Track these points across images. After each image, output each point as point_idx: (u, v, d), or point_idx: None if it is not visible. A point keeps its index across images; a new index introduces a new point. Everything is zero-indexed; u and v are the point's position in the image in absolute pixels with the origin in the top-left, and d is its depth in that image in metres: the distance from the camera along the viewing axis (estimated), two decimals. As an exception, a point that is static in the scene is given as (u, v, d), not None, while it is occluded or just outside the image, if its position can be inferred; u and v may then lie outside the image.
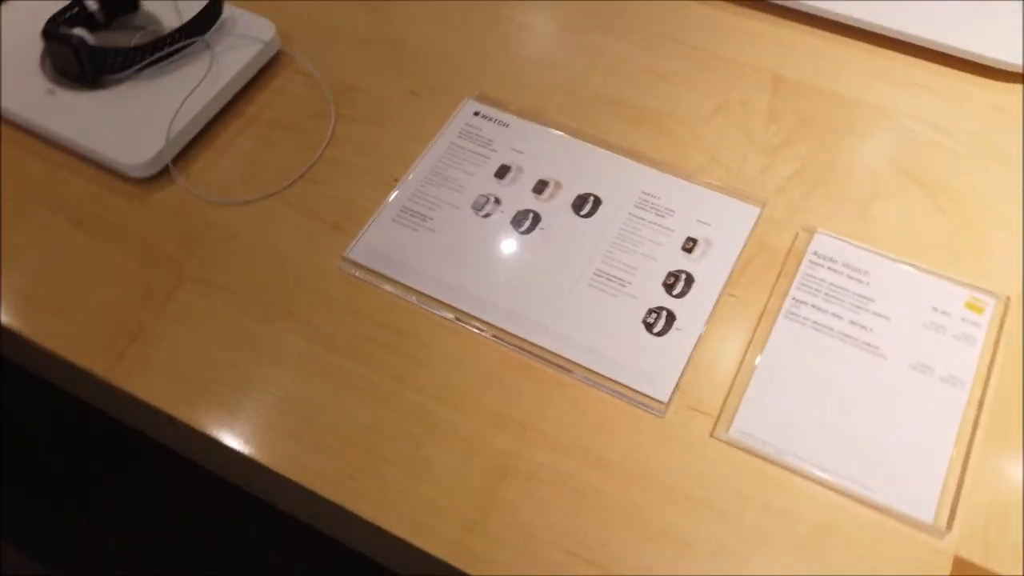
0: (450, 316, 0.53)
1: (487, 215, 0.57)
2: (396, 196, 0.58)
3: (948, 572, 0.43)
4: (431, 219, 0.57)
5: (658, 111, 0.62)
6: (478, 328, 0.52)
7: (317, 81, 0.65)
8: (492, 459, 0.48)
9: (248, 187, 0.59)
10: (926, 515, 0.44)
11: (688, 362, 0.51)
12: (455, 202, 0.58)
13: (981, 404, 0.48)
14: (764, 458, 0.47)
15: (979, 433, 0.47)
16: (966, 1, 0.64)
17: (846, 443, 0.47)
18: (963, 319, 0.50)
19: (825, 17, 0.64)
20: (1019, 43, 0.61)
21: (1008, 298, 0.51)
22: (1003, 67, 0.61)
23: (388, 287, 0.54)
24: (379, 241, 0.56)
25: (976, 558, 0.44)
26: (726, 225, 0.56)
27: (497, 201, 0.58)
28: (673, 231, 0.56)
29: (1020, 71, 0.61)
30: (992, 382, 0.49)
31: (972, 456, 0.46)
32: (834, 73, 0.63)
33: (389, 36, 0.68)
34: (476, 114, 0.63)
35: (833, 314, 0.51)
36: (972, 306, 0.51)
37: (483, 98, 0.63)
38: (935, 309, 0.51)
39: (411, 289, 0.54)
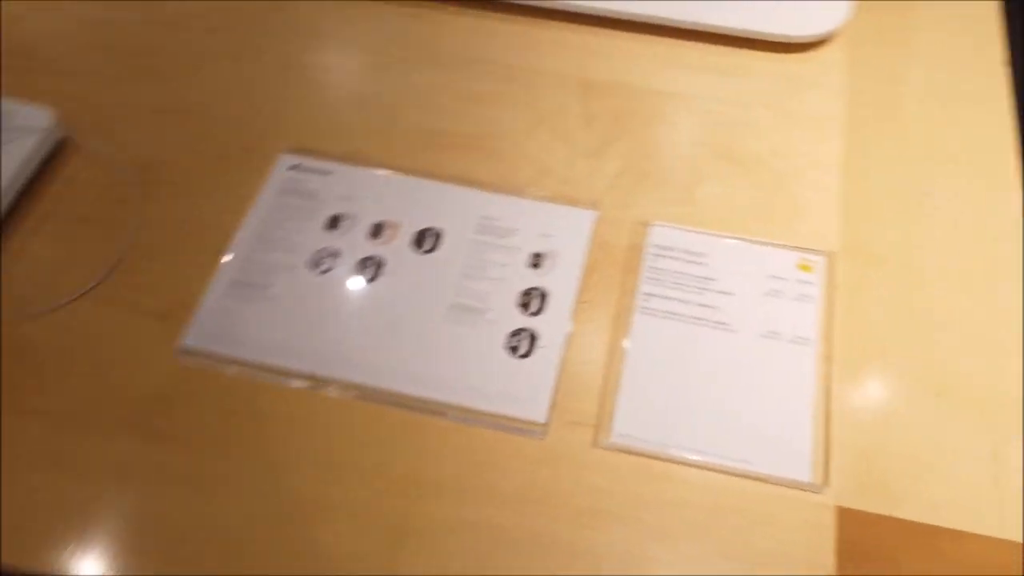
0: (307, 384, 0.50)
1: (327, 270, 0.55)
2: (224, 270, 0.55)
3: (833, 523, 0.45)
4: (267, 287, 0.54)
5: (480, 134, 0.62)
6: (340, 391, 0.50)
7: (113, 163, 0.60)
8: (385, 525, 0.45)
9: (52, 293, 0.54)
10: (803, 475, 0.46)
11: (558, 378, 0.50)
12: (290, 263, 0.55)
13: (830, 357, 0.50)
14: (648, 455, 0.48)
15: (834, 385, 0.50)
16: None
17: (719, 423, 0.48)
18: (798, 280, 0.53)
19: (618, 17, 0.67)
20: (794, 17, 0.65)
21: (833, 253, 0.54)
22: (784, 40, 0.65)
23: (234, 369, 0.51)
24: (215, 322, 0.53)
25: (855, 504, 0.46)
26: (567, 234, 0.56)
27: (334, 254, 0.55)
28: (519, 250, 0.56)
29: (798, 41, 0.65)
30: (835, 334, 0.51)
31: (832, 408, 0.49)
32: (636, 69, 0.66)
33: (184, 103, 0.64)
34: (294, 168, 0.60)
35: (681, 300, 0.53)
36: (803, 267, 0.54)
37: (298, 150, 0.61)
38: (771, 276, 0.54)
39: (260, 366, 0.51)
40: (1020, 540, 0.44)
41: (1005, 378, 0.50)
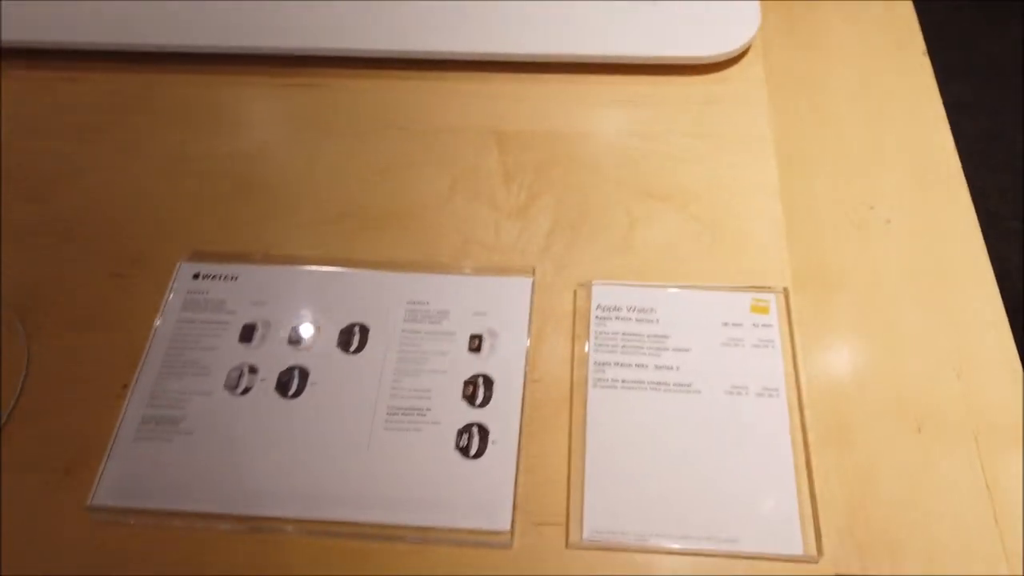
0: (241, 528, 0.45)
1: (246, 390, 0.49)
2: (131, 407, 0.49)
3: (835, 592, 0.42)
4: (182, 420, 0.48)
5: (395, 209, 0.57)
6: (278, 528, 0.45)
7: (-12, 302, 0.53)
8: None
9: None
10: (795, 547, 0.43)
11: (517, 475, 0.46)
12: (204, 388, 0.49)
13: (801, 405, 0.47)
14: (627, 550, 0.43)
15: (810, 435, 0.46)
16: (643, 7, 0.64)
17: (697, 500, 0.44)
18: (754, 325, 0.50)
19: (523, 60, 0.63)
20: (703, 36, 0.62)
21: (785, 288, 0.51)
22: (696, 61, 0.62)
23: (154, 521, 0.45)
24: (127, 470, 0.47)
25: (854, 568, 0.42)
26: (504, 308, 0.52)
27: (252, 370, 0.50)
28: (454, 334, 0.51)
29: (710, 61, 0.62)
30: (803, 378, 0.48)
31: (814, 463, 0.45)
32: (550, 112, 0.62)
33: (63, 220, 0.57)
34: (197, 276, 0.54)
35: (637, 365, 0.49)
36: (757, 309, 0.50)
37: (198, 256, 0.55)
38: (726, 324, 0.50)
39: (184, 513, 0.45)
40: (1030, 581, 0.42)
41: (988, 401, 0.47)
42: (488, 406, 0.48)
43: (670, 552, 0.43)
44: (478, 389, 0.49)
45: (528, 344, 0.50)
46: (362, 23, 0.65)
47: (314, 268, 0.54)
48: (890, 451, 0.46)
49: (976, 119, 1.55)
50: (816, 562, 0.43)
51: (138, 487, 0.46)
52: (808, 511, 0.44)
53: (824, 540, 0.43)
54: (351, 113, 0.62)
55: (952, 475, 0.45)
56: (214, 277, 0.54)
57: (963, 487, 0.45)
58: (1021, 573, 0.42)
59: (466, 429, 0.47)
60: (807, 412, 0.47)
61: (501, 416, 0.48)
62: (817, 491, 0.44)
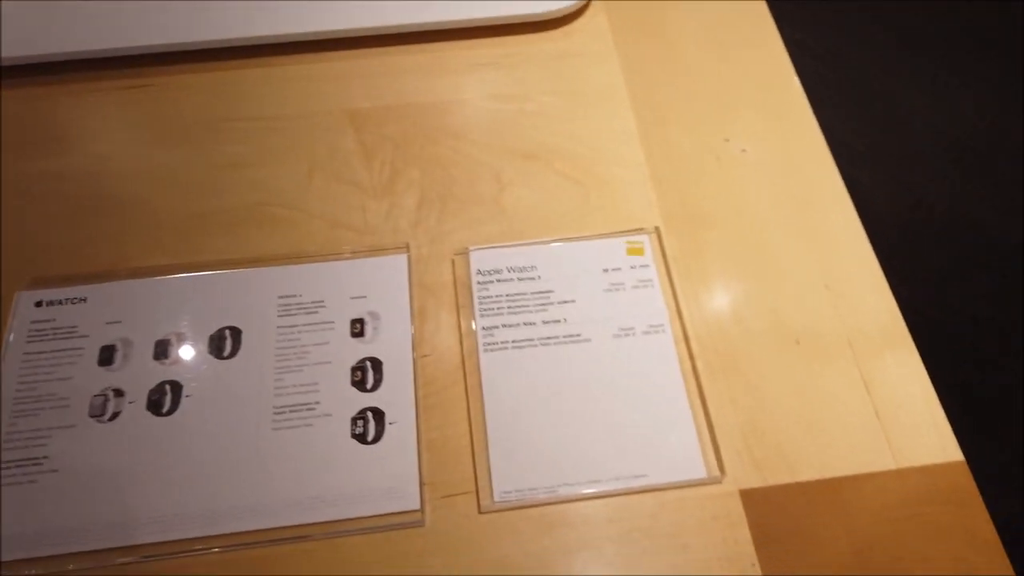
0: (131, 559, 0.41)
1: (114, 416, 0.46)
2: (-16, 455, 0.44)
3: (741, 509, 0.43)
4: (45, 459, 0.44)
5: (251, 203, 0.54)
6: (177, 552, 0.41)
7: None
8: None
9: None
10: (699, 472, 0.44)
11: (420, 452, 0.45)
12: (66, 421, 0.45)
13: (686, 337, 0.48)
14: (540, 504, 0.43)
15: (698, 364, 0.47)
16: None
17: (601, 445, 0.44)
18: (632, 267, 0.50)
19: (367, 34, 0.61)
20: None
21: (656, 228, 0.52)
22: (541, 17, 0.62)
23: (34, 571, 0.41)
24: (-10, 523, 0.42)
25: (755, 482, 0.44)
26: (382, 288, 0.50)
27: (118, 393, 0.46)
28: (333, 323, 0.49)
29: (555, 15, 0.62)
30: (683, 311, 0.49)
31: (705, 390, 0.46)
32: (403, 85, 0.60)
33: None
34: (40, 304, 0.49)
35: (525, 323, 0.48)
36: (633, 251, 0.51)
37: (39, 282, 0.50)
38: (606, 270, 0.50)
39: (63, 556, 0.41)
40: (914, 465, 0.44)
41: (857, 309, 0.50)
42: (380, 389, 0.47)
43: (582, 498, 0.43)
44: (367, 373, 0.47)
45: (412, 321, 0.49)
46: (191, 13, 0.61)
47: (172, 277, 0.50)
48: (774, 369, 0.47)
49: (817, 59, 1.63)
50: (720, 483, 0.44)
51: (8, 538, 0.42)
52: (707, 437, 0.45)
53: (725, 461, 0.44)
54: (189, 110, 0.58)
55: (833, 382, 0.47)
56: (60, 302, 0.50)
57: (844, 391, 0.47)
58: (907, 465, 0.44)
59: (360, 415, 0.46)
60: (693, 343, 0.48)
61: (395, 397, 0.46)
62: (712, 417, 0.45)
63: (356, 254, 0.52)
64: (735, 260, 0.51)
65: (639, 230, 0.52)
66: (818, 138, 0.57)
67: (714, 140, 0.57)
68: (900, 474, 0.44)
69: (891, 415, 0.46)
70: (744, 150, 0.56)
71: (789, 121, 0.58)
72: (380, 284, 0.50)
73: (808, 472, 0.44)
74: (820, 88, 1.51)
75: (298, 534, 0.42)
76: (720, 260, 0.51)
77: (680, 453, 0.44)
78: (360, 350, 0.48)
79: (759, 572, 0.41)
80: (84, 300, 0.50)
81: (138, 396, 0.46)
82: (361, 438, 0.45)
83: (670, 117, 0.58)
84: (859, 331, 0.49)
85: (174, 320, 0.49)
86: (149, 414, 0.46)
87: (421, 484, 0.44)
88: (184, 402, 0.46)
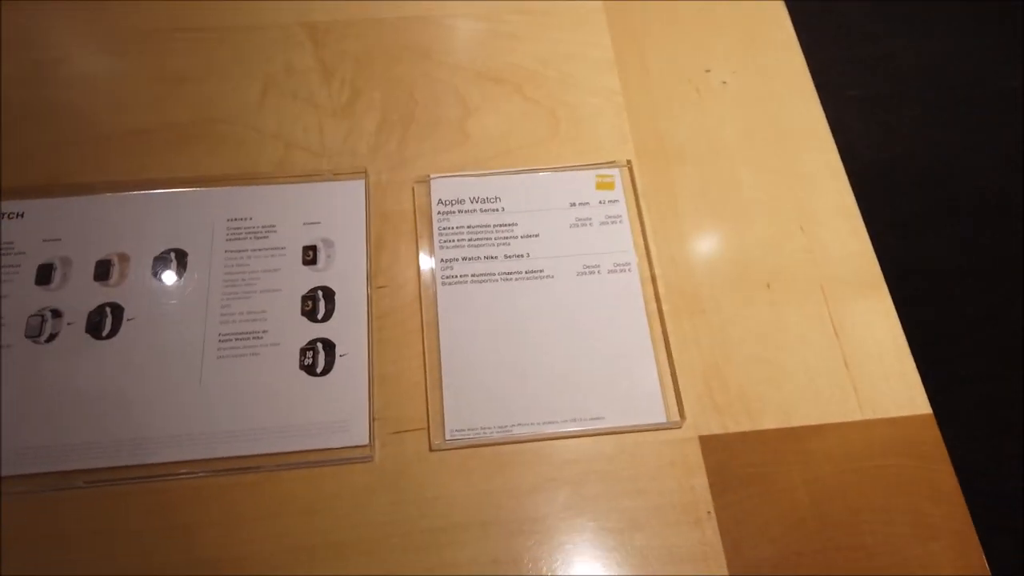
0: (63, 485, 0.40)
1: (52, 337, 0.43)
2: (-90, 375, 0.42)
3: (700, 455, 0.42)
4: (-24, 381, 0.42)
5: (201, 119, 0.51)
6: (110, 479, 0.40)
7: None
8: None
9: None
10: (658, 416, 0.42)
11: (372, 386, 0.43)
12: (4, 341, 0.43)
13: (653, 276, 0.46)
14: (492, 443, 0.42)
15: (664, 306, 0.45)
16: None
17: (559, 385, 0.43)
18: (601, 202, 0.48)
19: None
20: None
21: (628, 161, 0.49)
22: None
23: (-43, 500, 0.39)
24: (-85, 446, 0.40)
25: (717, 428, 0.42)
26: (338, 214, 0.48)
27: (56, 314, 0.44)
28: (284, 249, 0.46)
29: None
30: (652, 249, 0.47)
31: (669, 332, 0.44)
32: (368, -1, 0.56)
33: None
34: (-27, 218, 0.46)
35: (486, 257, 0.46)
36: (602, 185, 0.49)
37: (-28, 194, 0.47)
38: (573, 204, 0.48)
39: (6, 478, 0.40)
40: (880, 417, 0.43)
41: (832, 254, 0.48)
42: (331, 320, 0.44)
43: (536, 439, 0.42)
44: (318, 303, 0.45)
45: (368, 250, 0.47)
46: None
47: (115, 195, 0.48)
48: (742, 312, 0.46)
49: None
50: (680, 427, 0.42)
51: (-69, 462, 0.40)
52: (669, 381, 0.43)
53: (686, 406, 0.43)
54: (134, 18, 0.54)
55: (802, 327, 0.45)
56: (-5, 216, 0.47)
57: (813, 338, 0.45)
58: (873, 416, 0.43)
59: (310, 346, 0.44)
60: (660, 284, 0.46)
61: (347, 328, 0.44)
62: (676, 361, 0.44)
63: (311, 177, 0.49)
64: (708, 198, 0.49)
65: (610, 163, 0.49)
66: (803, 74, 0.54)
67: (695, 70, 0.54)
68: (866, 425, 0.43)
69: (860, 364, 0.44)
70: (725, 82, 0.54)
71: (775, 54, 0.55)
72: (335, 210, 0.48)
73: (770, 420, 0.43)
74: (808, 26, 1.47)
75: (241, 465, 0.41)
76: (693, 197, 0.49)
77: (640, 397, 0.42)
78: (312, 278, 0.46)
79: (715, 519, 0.40)
80: (21, 216, 0.47)
81: (77, 318, 0.44)
82: (310, 369, 0.43)
83: (649, 44, 0.55)
84: (832, 276, 0.47)
85: (116, 240, 0.46)
86: (88, 337, 0.43)
87: (371, 419, 0.42)
88: (125, 326, 0.44)
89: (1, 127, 0.49)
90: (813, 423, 0.43)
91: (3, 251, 0.46)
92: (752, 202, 0.49)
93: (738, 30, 0.56)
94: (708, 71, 0.54)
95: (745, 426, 0.43)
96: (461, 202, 0.48)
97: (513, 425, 0.42)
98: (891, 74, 1.50)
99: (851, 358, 0.45)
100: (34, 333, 0.43)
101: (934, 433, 0.43)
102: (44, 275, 0.45)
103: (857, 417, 0.43)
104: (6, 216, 0.47)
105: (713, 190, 0.49)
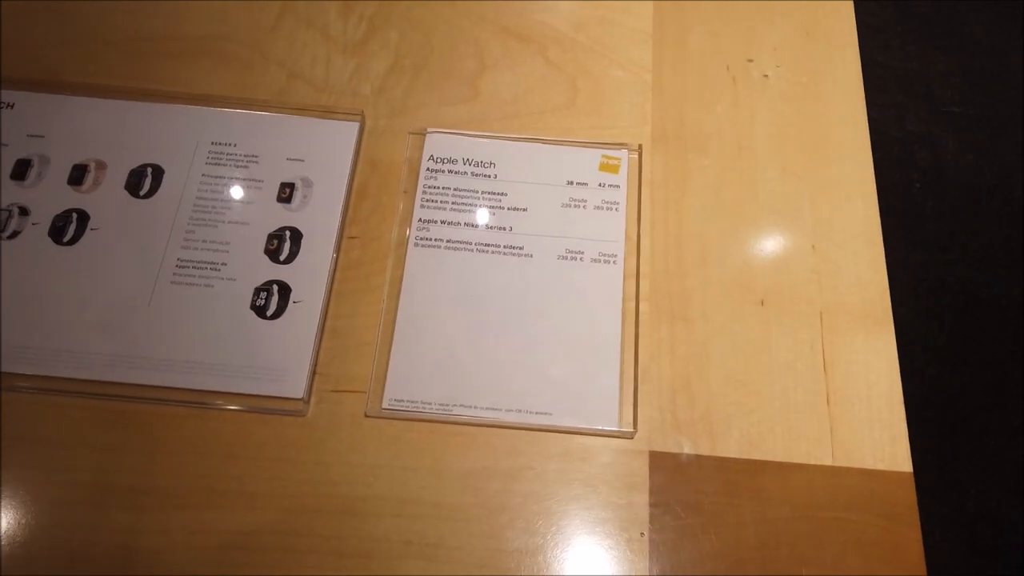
0: (12, 386, 0.39)
1: (14, 234, 0.43)
2: None
3: (646, 472, 0.39)
4: (-66, 266, 0.42)
5: (209, 35, 0.49)
6: (45, 389, 0.39)
7: None
8: (109, 545, 0.36)
9: None
10: (610, 422, 0.39)
11: (320, 338, 0.41)
12: (-34, 230, 0.43)
13: (638, 273, 0.43)
14: (429, 420, 0.39)
15: (644, 306, 0.42)
16: None
17: (512, 372, 0.40)
18: (600, 185, 0.45)
19: None
20: None
21: (640, 146, 0.46)
22: None
23: None
24: None
25: (671, 446, 0.39)
26: (324, 155, 0.45)
27: (24, 211, 0.43)
28: (262, 182, 0.45)
29: None
30: (643, 244, 0.43)
31: (643, 334, 0.41)
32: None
33: None
34: (-34, 102, 0.46)
35: (467, 224, 0.44)
36: (606, 167, 0.45)
37: (-31, 77, 0.46)
38: (571, 183, 0.45)
39: (-70, 371, 0.39)
40: (853, 466, 0.39)
41: (841, 278, 0.43)
42: (294, 263, 0.43)
43: (476, 423, 0.39)
44: (283, 244, 0.43)
45: (348, 196, 0.44)
46: None
47: (104, 100, 0.46)
48: (728, 327, 0.42)
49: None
50: (631, 438, 0.39)
51: None
52: (630, 386, 0.40)
53: (643, 418, 0.40)
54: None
55: (790, 354, 0.41)
56: (-14, 104, 0.46)
57: (799, 368, 0.41)
58: (845, 464, 0.39)
59: (265, 287, 0.42)
60: (644, 281, 0.43)
61: (307, 274, 0.42)
62: (643, 366, 0.41)
63: (305, 111, 0.47)
64: (719, 198, 0.45)
65: (620, 145, 0.46)
66: (856, 80, 0.49)
67: (736, 57, 0.49)
68: (835, 472, 0.39)
69: (844, 405, 0.40)
70: (767, 76, 0.49)
71: (828, 53, 0.50)
72: (322, 150, 0.46)
73: (732, 447, 0.39)
74: (911, 28, 1.36)
75: (169, 397, 0.40)
76: (702, 194, 0.45)
77: (595, 398, 0.40)
78: (283, 217, 0.44)
79: (647, 541, 0.37)
80: (11, 106, 0.46)
81: (43, 219, 0.43)
82: (260, 311, 0.41)
83: (693, 20, 0.51)
84: (835, 304, 0.43)
85: (98, 146, 0.45)
86: (50, 240, 0.43)
87: (313, 373, 0.40)
88: (88, 235, 0.43)
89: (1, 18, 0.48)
90: (778, 459, 0.39)
91: (-12, 140, 0.45)
92: (767, 210, 0.45)
93: (794, 21, 0.51)
94: (750, 61, 0.49)
95: (703, 449, 0.39)
96: (453, 162, 0.45)
97: (455, 405, 0.39)
98: (1000, 94, 1.39)
99: (835, 396, 0.41)
100: (-1, 227, 0.43)
101: (909, 495, 0.39)
102: (20, 170, 0.44)
103: (828, 462, 0.39)
104: (1, 105, 0.46)
105: (726, 190, 0.45)
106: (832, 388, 0.41)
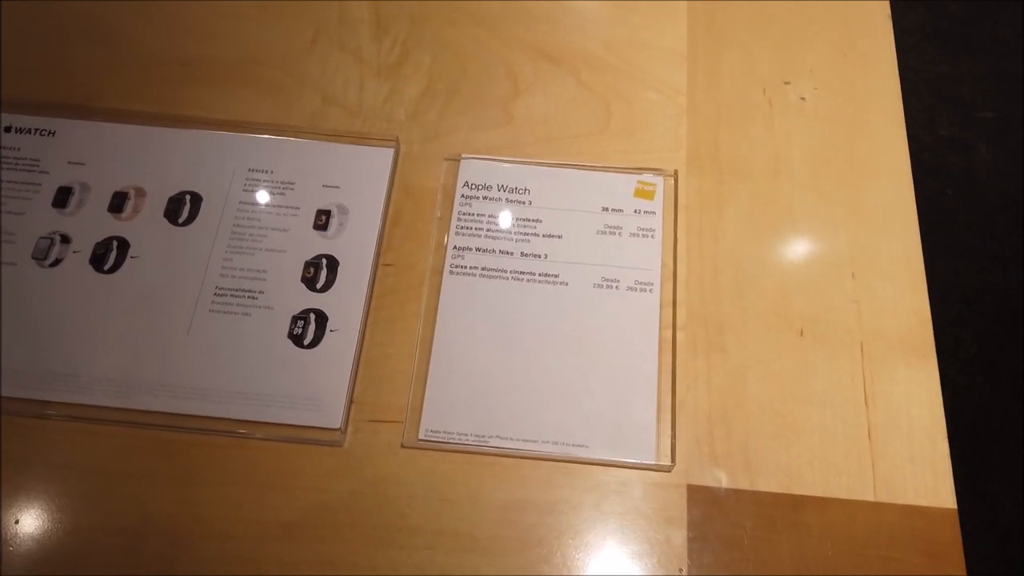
0: (50, 414, 0.40)
1: (56, 262, 0.43)
2: (-79, 277, 0.43)
3: (685, 504, 0.38)
4: (-22, 294, 0.42)
5: (244, 59, 0.49)
6: (84, 417, 0.40)
7: None
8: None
9: None
10: (647, 455, 0.39)
11: (356, 367, 0.41)
12: (9, 258, 0.43)
13: (675, 302, 0.42)
14: (465, 451, 0.39)
15: (681, 335, 0.42)
16: None
17: (548, 402, 0.40)
18: (636, 211, 0.44)
19: None
20: None
21: (676, 172, 0.45)
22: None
23: (-61, 409, 0.40)
24: (-88, 348, 0.41)
25: (707, 478, 0.39)
26: (359, 181, 0.46)
27: (65, 239, 0.44)
28: (298, 209, 0.45)
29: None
30: (680, 271, 0.43)
31: (680, 364, 0.41)
32: (437, -45, 0.53)
33: None
34: (9, 130, 0.47)
35: (502, 251, 0.43)
36: (642, 193, 0.45)
37: (12, 105, 0.47)
38: (606, 209, 0.44)
39: (-25, 399, 0.40)
40: (895, 502, 0.38)
41: (882, 307, 0.43)
42: (330, 291, 0.43)
43: (513, 455, 0.39)
44: (320, 271, 0.43)
45: (383, 222, 0.45)
46: None
47: (143, 127, 0.47)
48: (766, 357, 0.42)
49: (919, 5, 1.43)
50: (669, 471, 0.39)
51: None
52: (667, 418, 0.40)
53: (680, 450, 0.39)
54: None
55: (829, 385, 0.41)
56: (27, 131, 0.47)
57: (839, 400, 0.41)
58: (888, 500, 0.38)
59: (302, 315, 0.42)
60: (681, 310, 0.42)
61: (344, 302, 0.43)
62: (680, 397, 0.40)
63: (340, 138, 0.47)
64: (756, 224, 0.45)
65: (656, 170, 0.45)
66: (895, 101, 0.48)
67: (772, 80, 0.49)
68: (877, 508, 0.39)
69: (886, 439, 0.40)
70: (804, 98, 0.48)
71: (866, 75, 0.49)
72: (358, 176, 0.46)
73: (771, 481, 0.39)
74: (940, 30, 1.33)
75: (210, 426, 0.40)
76: (738, 220, 0.45)
77: (632, 430, 0.39)
78: (319, 244, 0.44)
79: (684, 576, 0.37)
80: (52, 134, 0.47)
81: (84, 246, 0.44)
82: (298, 340, 0.42)
83: (728, 41, 0.50)
84: (876, 334, 0.42)
85: (138, 173, 0.46)
86: (90, 268, 0.43)
87: (349, 403, 0.40)
88: (128, 263, 0.43)
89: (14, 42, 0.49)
90: (817, 494, 0.39)
91: (29, 167, 0.45)
92: (804, 236, 0.44)
93: (830, 41, 0.50)
94: (787, 83, 0.49)
95: (741, 483, 0.39)
96: (488, 188, 0.45)
97: (491, 436, 0.39)
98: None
99: (877, 430, 0.40)
100: (40, 255, 0.43)
101: (954, 532, 0.38)
102: (62, 198, 0.45)
103: (869, 497, 0.39)
104: (39, 132, 0.47)
105: (763, 216, 0.45)
106: (873, 421, 0.40)
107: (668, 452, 0.39)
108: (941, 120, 1.30)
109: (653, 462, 0.39)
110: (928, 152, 1.26)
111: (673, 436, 0.39)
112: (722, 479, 0.39)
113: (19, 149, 0.46)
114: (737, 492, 0.39)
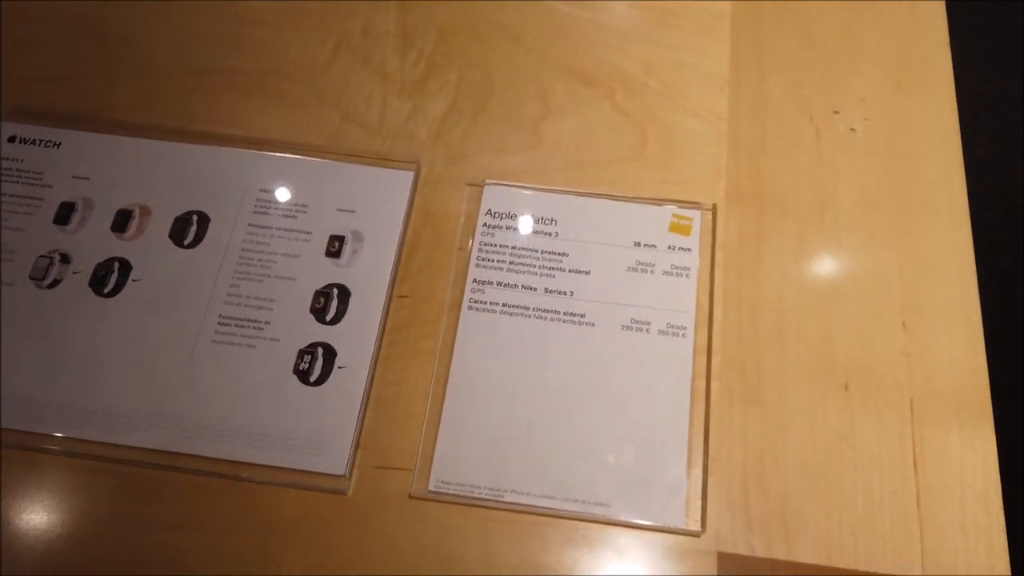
0: (54, 447, 0.38)
1: (54, 283, 0.41)
2: (-86, 295, 0.41)
3: (715, 572, 0.35)
4: (-28, 315, 0.40)
5: (261, 70, 0.47)
6: (76, 452, 0.38)
7: None
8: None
9: None
10: (675, 519, 0.36)
11: (365, 408, 0.39)
12: (7, 277, 0.41)
13: (710, 348, 0.39)
14: (478, 505, 0.37)
15: (715, 384, 0.39)
16: None
17: (570, 455, 0.37)
18: (670, 247, 0.41)
19: None
20: None
21: (714, 206, 0.42)
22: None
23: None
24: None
25: (740, 547, 0.36)
26: (376, 205, 0.43)
27: (65, 259, 0.42)
28: (310, 234, 0.42)
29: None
30: (716, 315, 0.40)
31: (713, 418, 0.38)
32: (467, -35, 0.50)
33: None
34: (13, 140, 0.44)
35: (525, 286, 0.41)
36: (677, 228, 0.42)
37: (18, 113, 0.45)
38: (638, 244, 0.41)
39: (-36, 428, 0.38)
40: (944, 582, 0.35)
41: (934, 362, 0.39)
42: (340, 323, 0.40)
43: (529, 511, 0.36)
44: (330, 302, 0.41)
45: (400, 251, 0.42)
46: None
47: (152, 141, 0.45)
48: (808, 412, 0.38)
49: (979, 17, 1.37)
50: (698, 536, 0.36)
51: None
52: (698, 477, 0.37)
53: (712, 512, 0.36)
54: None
55: (876, 447, 0.38)
56: (33, 142, 0.45)
57: (886, 463, 0.37)
58: (938, 574, 0.35)
59: (310, 349, 0.40)
60: (716, 357, 0.39)
61: (354, 336, 0.40)
62: (713, 453, 0.37)
63: (359, 158, 0.44)
64: (800, 265, 0.41)
65: (693, 204, 0.42)
66: (953, 134, 0.44)
67: (821, 108, 0.46)
68: (923, 584, 0.35)
69: (936, 507, 0.36)
70: (854, 129, 0.45)
71: (922, 105, 0.46)
72: (375, 200, 0.43)
73: (809, 551, 0.36)
74: (1003, 54, 1.28)
75: (205, 468, 0.37)
76: (781, 260, 0.42)
77: (659, 490, 0.36)
78: (331, 273, 0.41)
79: (712, 652, 0.34)
80: (57, 146, 0.44)
81: (84, 267, 0.42)
82: (304, 376, 0.39)
83: (775, 66, 0.47)
84: (928, 391, 0.39)
85: (144, 190, 0.43)
86: (90, 291, 0.41)
87: (355, 447, 0.38)
88: (129, 286, 0.41)
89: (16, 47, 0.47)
90: (860, 568, 0.36)
91: (31, 180, 0.43)
92: (852, 280, 0.41)
93: (884, 70, 0.47)
94: (837, 112, 0.45)
95: (778, 552, 0.36)
96: (512, 217, 0.42)
97: (507, 490, 0.36)
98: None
99: (927, 497, 0.37)
100: (39, 275, 0.41)
101: (1010, 616, 0.35)
102: (64, 214, 0.43)
103: (916, 572, 0.35)
104: (43, 144, 0.44)
105: (808, 256, 0.42)
106: (922, 487, 0.37)
107: (698, 515, 0.36)
108: (979, 140, 1.25)
109: (681, 526, 0.36)
110: (965, 173, 1.21)
111: (704, 497, 0.36)
112: (756, 546, 0.36)
113: (22, 161, 0.44)
114: (772, 562, 0.36)
